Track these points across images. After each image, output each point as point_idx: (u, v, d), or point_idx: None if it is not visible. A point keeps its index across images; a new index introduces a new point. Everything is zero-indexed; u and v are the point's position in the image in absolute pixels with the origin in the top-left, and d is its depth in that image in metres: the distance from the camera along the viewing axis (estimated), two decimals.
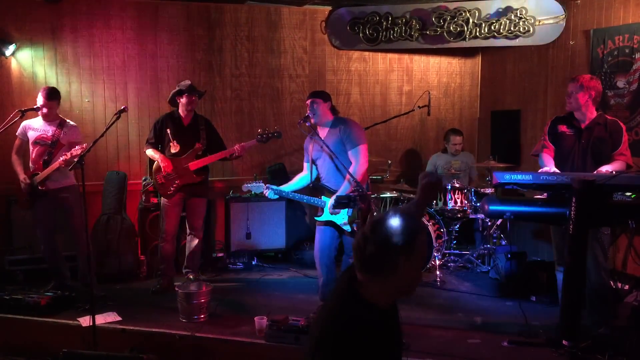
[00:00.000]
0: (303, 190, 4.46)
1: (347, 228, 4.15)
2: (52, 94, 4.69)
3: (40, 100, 4.65)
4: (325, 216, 4.24)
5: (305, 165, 4.53)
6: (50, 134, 4.71)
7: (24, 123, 4.79)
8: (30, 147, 4.77)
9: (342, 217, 4.17)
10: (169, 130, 4.97)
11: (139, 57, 5.89)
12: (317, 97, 4.33)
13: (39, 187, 4.64)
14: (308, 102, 4.35)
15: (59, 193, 4.71)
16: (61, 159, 4.46)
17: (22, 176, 4.70)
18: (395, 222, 1.78)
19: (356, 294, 1.83)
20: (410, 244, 1.76)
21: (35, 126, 4.76)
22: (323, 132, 4.35)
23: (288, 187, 4.47)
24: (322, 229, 4.31)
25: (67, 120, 4.83)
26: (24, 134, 4.79)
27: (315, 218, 4.34)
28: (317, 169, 4.42)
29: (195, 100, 4.97)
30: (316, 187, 4.39)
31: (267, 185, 4.41)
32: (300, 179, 4.51)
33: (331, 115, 4.37)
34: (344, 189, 4.11)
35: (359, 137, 4.26)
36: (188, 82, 5.00)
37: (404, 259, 1.76)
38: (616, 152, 3.84)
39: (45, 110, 4.67)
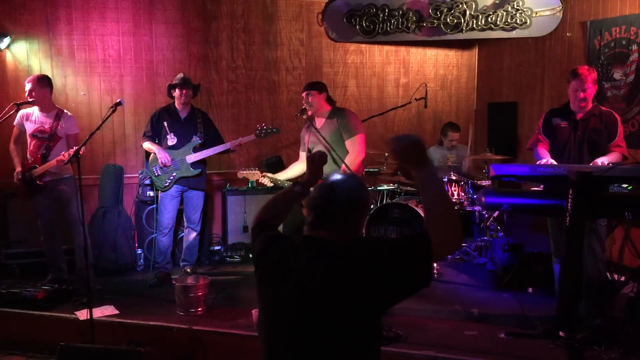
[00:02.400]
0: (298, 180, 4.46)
1: None
2: (41, 80, 4.60)
3: (28, 86, 4.56)
4: None
5: (302, 154, 4.53)
6: (47, 126, 4.67)
7: (22, 112, 4.71)
8: (28, 139, 4.73)
9: None
10: (165, 123, 4.96)
11: (134, 50, 5.86)
12: (313, 89, 4.33)
13: (37, 182, 4.62)
14: (304, 94, 4.34)
15: (56, 184, 4.70)
16: (56, 159, 4.43)
17: (17, 170, 4.67)
18: (353, 183, 1.97)
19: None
20: (367, 202, 1.97)
21: (33, 117, 4.70)
22: (320, 123, 4.35)
23: (282, 175, 4.48)
24: None
25: (65, 111, 4.77)
26: (21, 124, 4.74)
27: None
28: None
29: (187, 94, 4.93)
30: None
31: (262, 173, 4.42)
32: (295, 168, 4.51)
33: (328, 105, 4.37)
34: None
35: (356, 127, 4.26)
36: (181, 74, 4.98)
37: (359, 215, 1.95)
38: (612, 144, 3.84)
39: (35, 97, 4.57)
